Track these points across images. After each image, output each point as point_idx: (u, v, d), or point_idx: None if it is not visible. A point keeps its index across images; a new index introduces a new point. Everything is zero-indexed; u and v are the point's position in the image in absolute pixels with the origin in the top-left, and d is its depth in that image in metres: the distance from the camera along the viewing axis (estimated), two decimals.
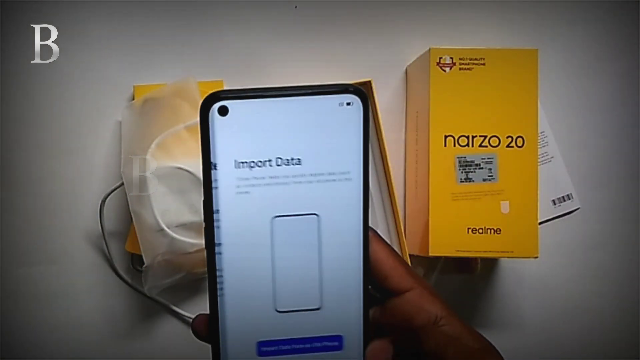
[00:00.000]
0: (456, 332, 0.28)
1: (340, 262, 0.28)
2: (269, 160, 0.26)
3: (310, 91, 0.26)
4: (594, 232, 0.60)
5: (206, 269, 0.28)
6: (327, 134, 0.26)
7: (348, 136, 0.26)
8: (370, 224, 0.28)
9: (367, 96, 0.26)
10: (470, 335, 0.29)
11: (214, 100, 0.25)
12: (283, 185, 0.27)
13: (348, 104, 0.26)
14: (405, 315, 0.29)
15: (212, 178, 0.26)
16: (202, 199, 0.27)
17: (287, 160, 0.26)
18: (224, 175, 0.26)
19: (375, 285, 0.29)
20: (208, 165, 0.26)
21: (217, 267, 0.27)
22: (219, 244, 0.27)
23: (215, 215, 0.27)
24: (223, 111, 0.26)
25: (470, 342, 0.28)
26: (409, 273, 0.29)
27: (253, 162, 0.26)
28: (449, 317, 0.29)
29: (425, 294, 0.29)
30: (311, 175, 0.27)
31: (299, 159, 0.27)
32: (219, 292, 0.27)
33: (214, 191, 0.26)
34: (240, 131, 0.26)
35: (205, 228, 0.27)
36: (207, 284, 0.28)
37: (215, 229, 0.27)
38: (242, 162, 0.26)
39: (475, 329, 0.30)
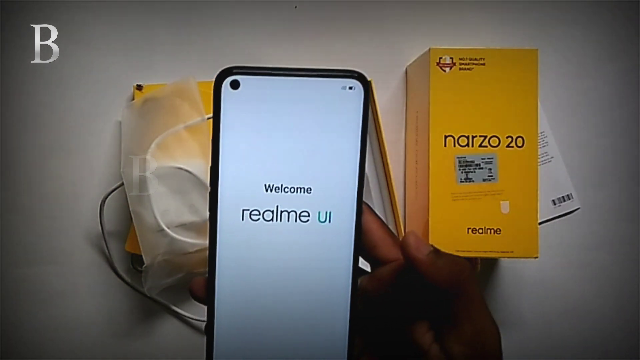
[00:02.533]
0: (480, 293, 0.29)
1: (332, 233, 0.29)
2: (272, 132, 0.28)
3: (316, 73, 0.28)
4: (594, 232, 0.60)
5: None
6: (328, 114, 0.28)
7: (348, 118, 0.28)
8: None
9: (368, 82, 0.28)
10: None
11: (227, 74, 0.28)
12: (282, 157, 0.28)
13: (350, 87, 0.28)
14: (392, 280, 0.30)
15: (220, 142, 0.28)
16: (210, 164, 0.28)
17: (289, 133, 0.28)
18: (229, 141, 0.28)
19: (365, 254, 0.30)
20: (217, 133, 0.28)
21: (217, 232, 0.29)
22: (219, 211, 0.28)
23: (219, 181, 0.28)
24: (235, 85, 0.28)
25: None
26: (396, 244, 0.30)
27: (258, 131, 0.28)
28: None
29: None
30: (308, 150, 0.28)
31: (299, 133, 0.28)
32: (217, 258, 0.29)
33: (220, 157, 0.28)
34: (248, 104, 0.28)
35: (210, 192, 0.28)
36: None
37: (219, 193, 0.28)
38: (249, 131, 0.28)
39: None
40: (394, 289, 0.30)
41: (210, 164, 0.28)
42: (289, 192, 0.29)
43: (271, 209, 0.29)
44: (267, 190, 0.28)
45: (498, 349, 0.29)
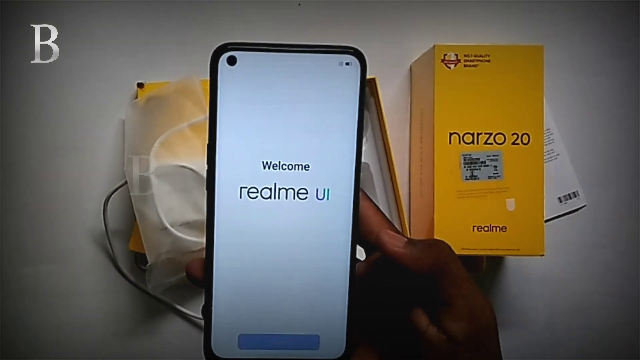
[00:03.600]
0: (464, 269, 0.30)
1: (331, 210, 0.29)
2: (269, 109, 0.28)
3: (312, 49, 0.28)
4: (600, 229, 0.60)
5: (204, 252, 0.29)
6: (325, 90, 0.28)
7: (346, 94, 0.28)
8: None
9: (365, 58, 0.28)
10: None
11: (224, 51, 0.28)
12: (279, 133, 0.28)
13: (347, 63, 0.28)
14: (369, 271, 0.31)
15: (217, 118, 0.28)
16: (207, 142, 0.28)
17: (286, 109, 0.28)
18: (226, 118, 0.28)
19: (360, 239, 0.31)
20: (215, 110, 0.28)
21: (215, 210, 0.28)
22: (217, 187, 0.28)
23: (217, 157, 0.28)
24: (231, 61, 0.28)
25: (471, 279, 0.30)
26: (392, 229, 0.31)
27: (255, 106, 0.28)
28: None
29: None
30: (306, 126, 0.28)
31: (296, 109, 0.28)
32: (215, 238, 0.29)
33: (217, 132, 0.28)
34: (245, 80, 0.28)
35: (207, 170, 0.28)
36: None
37: (217, 171, 0.28)
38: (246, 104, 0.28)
39: None
40: (378, 279, 0.30)
41: (207, 142, 0.28)
42: (287, 169, 0.28)
43: (269, 187, 0.28)
44: (265, 168, 0.28)
45: (493, 321, 0.29)
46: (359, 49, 0.28)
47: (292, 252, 0.29)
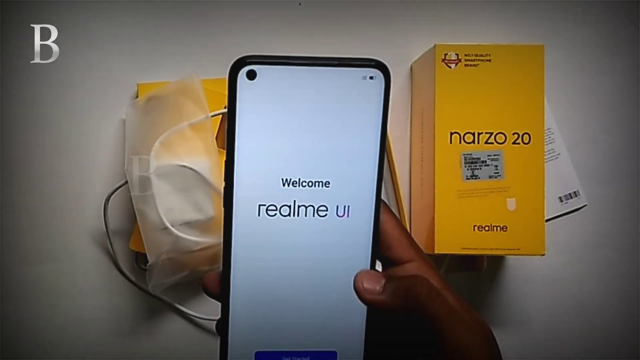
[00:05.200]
0: (450, 306, 0.28)
1: (351, 228, 0.28)
2: (290, 124, 0.27)
3: (335, 62, 0.27)
4: (601, 229, 0.60)
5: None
6: (348, 105, 0.27)
7: (369, 109, 0.27)
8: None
9: (389, 71, 0.27)
10: (462, 308, 0.29)
11: (243, 64, 0.26)
12: (299, 149, 0.27)
13: (371, 77, 0.27)
14: None
15: (236, 134, 0.27)
16: (225, 158, 0.27)
17: (307, 125, 0.27)
18: (245, 134, 0.27)
19: (379, 254, 0.30)
20: (233, 126, 0.27)
21: (232, 228, 0.28)
22: (235, 202, 0.27)
23: (235, 175, 0.27)
24: (251, 75, 0.26)
25: (463, 313, 0.29)
26: (411, 245, 0.30)
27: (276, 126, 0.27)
28: (443, 290, 0.29)
29: (424, 267, 0.30)
30: (327, 142, 0.27)
31: (317, 124, 0.27)
32: (232, 255, 0.28)
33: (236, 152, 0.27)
34: (266, 95, 0.27)
35: (224, 187, 0.27)
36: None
37: (234, 188, 0.27)
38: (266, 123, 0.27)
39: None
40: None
41: (225, 158, 0.27)
42: (307, 186, 0.28)
43: (288, 204, 0.28)
44: (284, 185, 0.27)
45: (489, 354, 0.28)
46: (384, 62, 0.27)
47: (310, 269, 0.28)
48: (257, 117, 0.27)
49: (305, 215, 0.28)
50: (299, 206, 0.28)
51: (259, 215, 0.28)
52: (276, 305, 0.29)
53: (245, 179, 0.27)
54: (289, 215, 0.28)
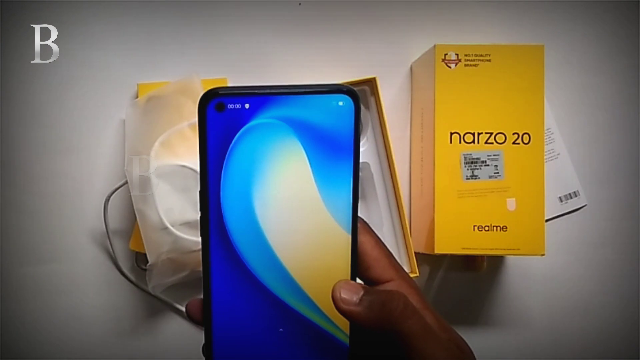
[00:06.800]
0: (426, 325, 0.28)
1: (329, 249, 0.29)
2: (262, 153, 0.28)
3: (304, 90, 0.27)
4: (600, 229, 0.60)
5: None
6: (319, 131, 0.27)
7: (340, 135, 0.27)
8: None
9: (359, 97, 0.27)
10: (440, 328, 0.29)
11: (212, 96, 0.27)
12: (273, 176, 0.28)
13: (341, 103, 0.27)
14: None
15: (208, 169, 0.27)
16: (199, 189, 0.28)
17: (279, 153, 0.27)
18: (217, 165, 0.28)
19: (359, 274, 0.30)
20: (205, 157, 0.27)
21: (210, 256, 0.28)
22: (211, 237, 0.28)
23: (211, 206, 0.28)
24: (220, 107, 0.27)
25: (440, 333, 0.29)
26: (391, 265, 0.30)
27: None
28: (423, 310, 0.29)
29: (403, 285, 0.30)
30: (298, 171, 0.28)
31: (290, 153, 0.27)
32: (212, 281, 0.28)
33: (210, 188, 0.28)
34: (235, 126, 0.27)
35: (200, 217, 0.28)
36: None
37: (209, 217, 0.28)
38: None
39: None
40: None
41: (199, 189, 0.28)
42: None
43: None
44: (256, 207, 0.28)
45: None
46: (352, 87, 0.27)
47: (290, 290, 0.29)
48: (228, 147, 0.27)
49: None
50: None
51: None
52: (258, 327, 0.29)
53: (219, 208, 0.28)
54: None
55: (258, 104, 0.27)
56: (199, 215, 0.28)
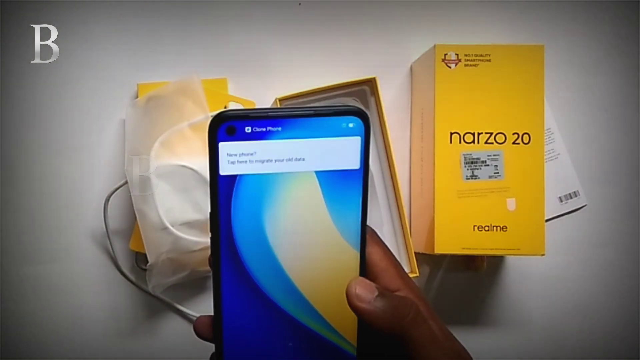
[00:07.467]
0: (433, 333, 0.29)
1: (337, 264, 0.29)
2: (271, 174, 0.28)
3: (314, 112, 0.27)
4: (600, 229, 0.60)
5: (210, 270, 0.29)
6: (330, 152, 0.28)
7: (349, 155, 0.28)
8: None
9: (368, 118, 0.28)
10: (444, 338, 0.30)
11: (223, 120, 0.27)
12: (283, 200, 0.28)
13: (351, 125, 0.27)
14: None
15: (218, 191, 0.28)
16: (210, 211, 0.28)
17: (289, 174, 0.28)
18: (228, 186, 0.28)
19: None
20: (215, 180, 0.28)
21: (221, 277, 0.29)
22: (222, 258, 0.29)
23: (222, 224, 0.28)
24: (230, 130, 0.27)
25: (444, 342, 0.29)
26: (399, 275, 0.31)
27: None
28: (430, 319, 0.30)
29: (410, 295, 0.30)
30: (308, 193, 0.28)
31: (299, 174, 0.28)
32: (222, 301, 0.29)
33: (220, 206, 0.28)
34: (246, 148, 0.27)
35: (211, 238, 0.28)
36: (211, 283, 0.30)
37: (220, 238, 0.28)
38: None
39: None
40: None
41: (210, 210, 0.28)
42: None
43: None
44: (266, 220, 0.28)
45: None
46: (361, 109, 0.27)
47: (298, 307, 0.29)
48: (239, 169, 0.28)
49: None
50: None
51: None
52: (268, 341, 0.29)
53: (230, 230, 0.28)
54: None
55: (268, 127, 0.27)
56: (210, 236, 0.29)
